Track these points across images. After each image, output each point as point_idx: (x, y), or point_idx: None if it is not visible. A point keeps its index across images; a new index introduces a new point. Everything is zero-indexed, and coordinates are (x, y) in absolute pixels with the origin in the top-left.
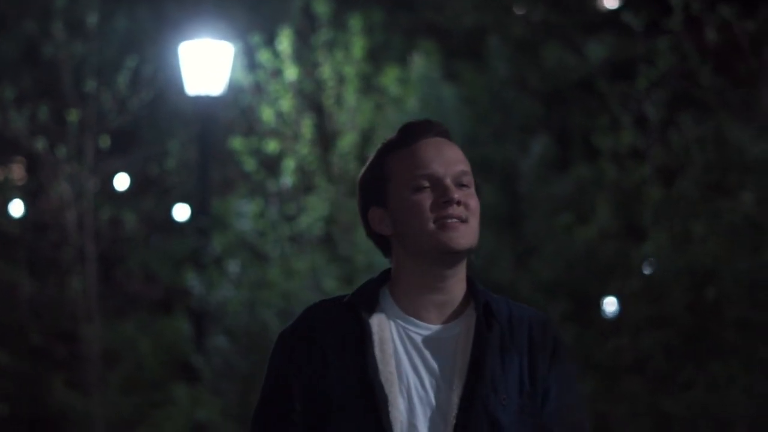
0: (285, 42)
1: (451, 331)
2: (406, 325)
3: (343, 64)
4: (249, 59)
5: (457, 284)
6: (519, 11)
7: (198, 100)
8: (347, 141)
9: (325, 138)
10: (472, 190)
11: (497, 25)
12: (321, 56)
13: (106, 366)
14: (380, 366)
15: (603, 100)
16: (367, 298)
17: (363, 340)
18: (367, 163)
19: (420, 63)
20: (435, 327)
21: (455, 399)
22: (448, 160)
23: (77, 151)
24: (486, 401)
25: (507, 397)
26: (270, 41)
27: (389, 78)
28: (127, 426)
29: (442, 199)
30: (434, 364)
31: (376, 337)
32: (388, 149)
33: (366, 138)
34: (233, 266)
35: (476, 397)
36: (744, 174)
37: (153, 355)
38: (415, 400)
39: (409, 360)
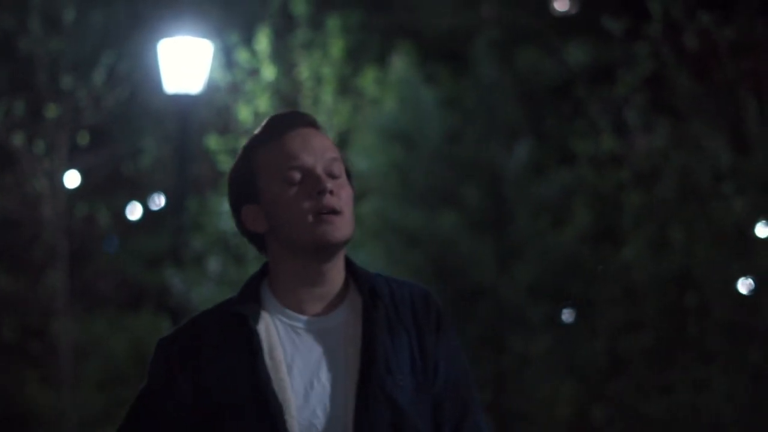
0: (263, 41)
1: (337, 319)
2: (291, 321)
3: (320, 64)
4: (226, 58)
5: (337, 274)
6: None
7: (176, 98)
8: None
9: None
10: (344, 178)
11: (472, 27)
12: (299, 56)
13: (78, 363)
14: (271, 374)
15: (582, 105)
16: (251, 302)
17: (252, 349)
18: (235, 160)
19: (398, 64)
20: (320, 318)
21: (352, 386)
22: (317, 149)
23: (52, 146)
24: (383, 384)
25: (402, 377)
26: (248, 40)
27: (367, 79)
28: (99, 423)
29: (315, 189)
30: (326, 356)
31: (264, 344)
32: (255, 144)
33: (343, 139)
34: (213, 264)
35: (372, 381)
36: (719, 181)
37: (126, 352)
38: (313, 397)
39: (300, 357)
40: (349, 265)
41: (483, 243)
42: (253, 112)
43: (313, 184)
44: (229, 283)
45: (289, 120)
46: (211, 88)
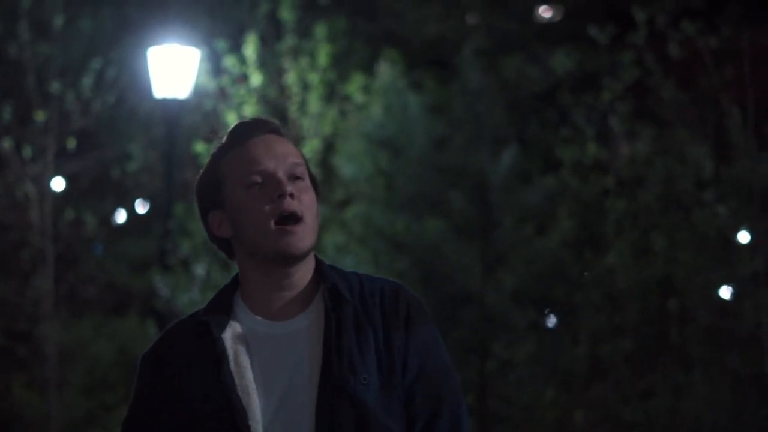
0: (250, 48)
1: (303, 321)
2: (259, 327)
3: (307, 71)
4: (214, 64)
5: (303, 277)
6: (475, 21)
7: (164, 103)
8: (310, 148)
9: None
10: (307, 182)
11: (458, 35)
12: (286, 63)
13: (63, 367)
14: (236, 380)
15: (567, 112)
16: (218, 310)
17: (216, 357)
18: (203, 168)
19: (385, 71)
20: (288, 321)
21: (315, 388)
22: (279, 154)
23: (40, 151)
24: (345, 384)
25: (368, 376)
26: (236, 47)
27: (354, 86)
28: (84, 427)
29: (276, 193)
30: (292, 360)
31: (230, 351)
32: (221, 152)
33: (329, 145)
34: (199, 269)
35: (333, 381)
36: (702, 188)
37: (112, 356)
38: (278, 402)
39: (267, 363)
40: (319, 268)
41: (469, 249)
42: (240, 118)
43: (273, 188)
44: (214, 288)
45: (252, 127)
46: (198, 94)
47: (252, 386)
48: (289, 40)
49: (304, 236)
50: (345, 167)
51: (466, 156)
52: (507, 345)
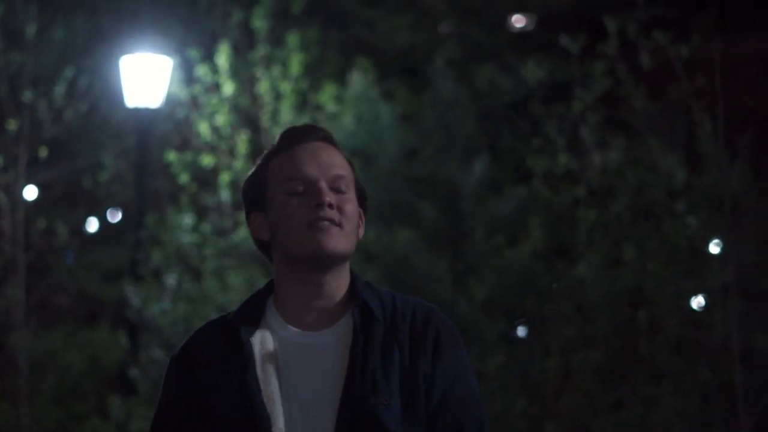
0: (222, 57)
1: (333, 335)
2: (289, 335)
3: (279, 80)
4: (186, 73)
5: (337, 288)
6: (446, 30)
7: (137, 112)
8: None
9: (261, 154)
10: (351, 195)
11: (429, 44)
12: (258, 72)
13: (34, 377)
14: (262, 386)
15: (538, 122)
16: (249, 314)
17: (243, 361)
18: (252, 170)
19: (357, 81)
20: (317, 333)
21: (337, 404)
22: (324, 163)
23: (11, 160)
24: (365, 403)
25: (389, 396)
26: (208, 56)
27: (326, 95)
28: None
29: (315, 201)
30: (318, 371)
31: (257, 356)
32: (270, 155)
33: None
34: (170, 279)
35: (354, 400)
36: (673, 198)
37: (83, 366)
38: (301, 413)
39: (294, 371)
40: (353, 282)
41: (439, 259)
42: (212, 127)
43: (313, 196)
44: (185, 299)
45: (301, 133)
46: (170, 103)
47: (277, 393)
48: (261, 49)
49: (336, 236)
50: None
51: (437, 166)
52: (478, 356)
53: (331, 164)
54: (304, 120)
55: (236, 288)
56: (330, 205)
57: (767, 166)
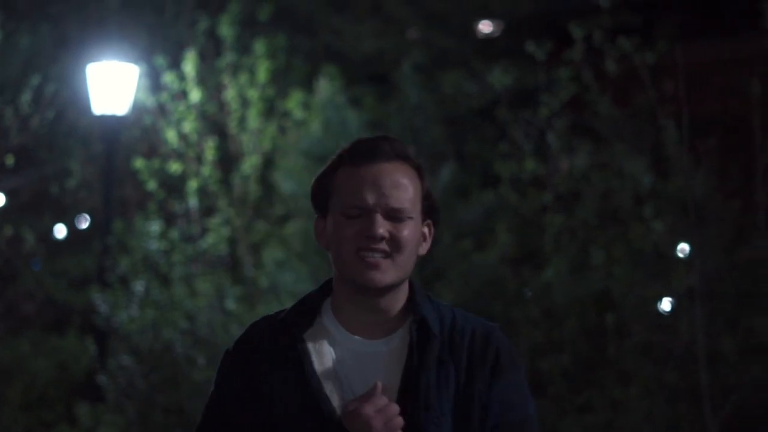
0: (189, 64)
1: (388, 345)
2: (344, 340)
3: (247, 87)
4: (153, 80)
5: (392, 305)
6: (413, 35)
7: (103, 119)
8: (250, 164)
9: (228, 160)
10: (409, 222)
11: (395, 51)
12: (225, 79)
13: (1, 384)
14: (323, 380)
15: (504, 128)
16: (304, 313)
17: (300, 358)
18: (322, 169)
19: (324, 87)
20: (372, 341)
21: None
22: (385, 191)
23: None
24: (416, 419)
25: (441, 414)
26: (175, 63)
27: (293, 102)
28: None
29: (366, 232)
30: (367, 380)
31: (314, 356)
32: (339, 163)
33: (268, 161)
34: (138, 286)
35: (405, 415)
36: (639, 203)
37: (50, 373)
38: None
39: (350, 374)
40: (413, 294)
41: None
42: (179, 134)
43: (366, 226)
44: (153, 305)
45: (371, 149)
46: (137, 110)
47: (335, 392)
48: (228, 57)
49: (387, 270)
50: (284, 183)
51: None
52: None
53: (392, 190)
54: (271, 127)
55: (204, 294)
56: (382, 238)
57: (732, 171)
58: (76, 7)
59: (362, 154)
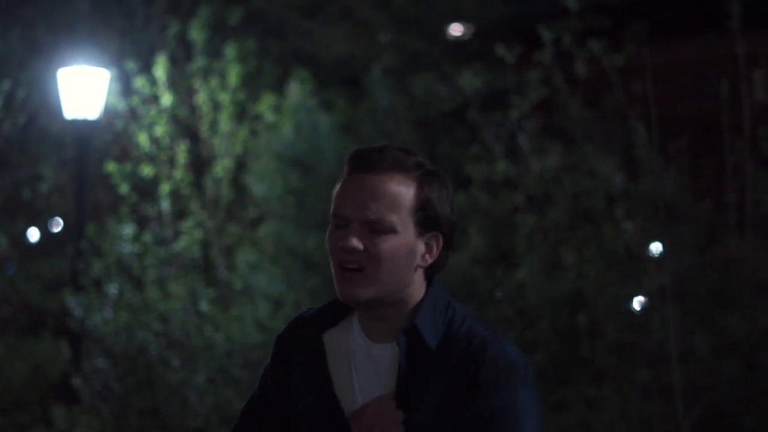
0: (160, 69)
1: (391, 351)
2: (359, 342)
3: (218, 91)
4: (124, 85)
5: (390, 314)
6: (384, 38)
7: (75, 124)
8: (221, 167)
9: (200, 163)
10: (391, 235)
11: (366, 54)
12: (196, 83)
13: None
14: (335, 379)
15: (475, 130)
16: (332, 313)
17: (318, 355)
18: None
19: (295, 91)
20: (380, 345)
21: None
22: (363, 203)
23: None
24: (406, 426)
25: (423, 424)
26: (146, 68)
27: (264, 105)
28: None
29: (340, 243)
30: (370, 382)
31: (329, 353)
32: (344, 171)
33: (240, 164)
34: (112, 289)
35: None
36: (610, 204)
37: (25, 376)
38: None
39: (356, 377)
40: (424, 300)
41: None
42: (151, 138)
43: (341, 237)
44: (127, 308)
45: (361, 160)
46: (109, 114)
47: (350, 389)
48: (199, 61)
49: (360, 284)
50: (256, 186)
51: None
52: None
53: (369, 205)
54: (243, 130)
55: (178, 296)
56: (353, 250)
57: (702, 170)
58: (46, 12)
59: (354, 163)
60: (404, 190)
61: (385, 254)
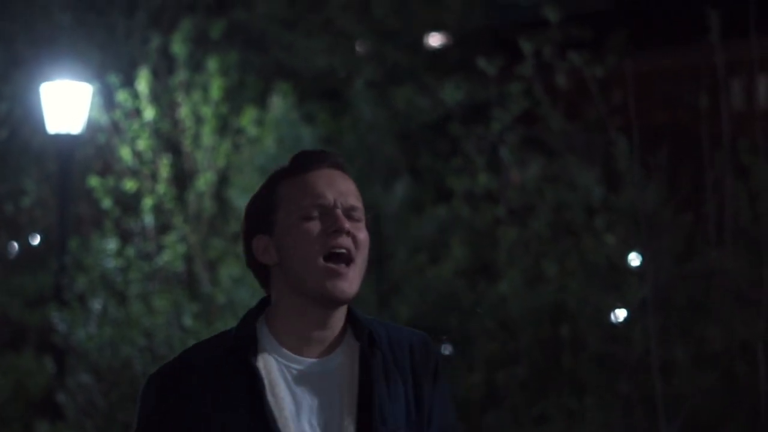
0: (142, 82)
1: (333, 362)
2: (288, 363)
3: (200, 104)
4: (106, 99)
5: (339, 321)
6: (364, 50)
7: (58, 138)
8: (204, 181)
9: (183, 177)
10: (364, 224)
11: (347, 66)
12: (178, 96)
13: None
14: (276, 412)
15: (456, 143)
16: (248, 337)
17: (253, 386)
18: (257, 191)
19: (277, 104)
20: (317, 360)
21: None
22: (341, 190)
23: None
24: None
25: (397, 427)
26: (128, 81)
27: (246, 119)
28: None
29: (332, 228)
30: (322, 401)
31: (266, 382)
32: (280, 176)
33: (223, 178)
34: (96, 304)
35: (364, 430)
36: (591, 215)
37: (7, 392)
38: None
39: (297, 400)
40: (350, 310)
41: (365, 280)
42: (133, 152)
43: (330, 223)
44: (111, 324)
45: (316, 157)
46: (91, 128)
47: (290, 420)
48: (181, 74)
49: (352, 280)
50: (239, 200)
51: (358, 188)
52: None
53: (347, 192)
54: (226, 144)
55: (162, 311)
56: (348, 233)
57: (681, 181)
58: (27, 25)
59: (308, 161)
60: (358, 190)
61: (364, 241)
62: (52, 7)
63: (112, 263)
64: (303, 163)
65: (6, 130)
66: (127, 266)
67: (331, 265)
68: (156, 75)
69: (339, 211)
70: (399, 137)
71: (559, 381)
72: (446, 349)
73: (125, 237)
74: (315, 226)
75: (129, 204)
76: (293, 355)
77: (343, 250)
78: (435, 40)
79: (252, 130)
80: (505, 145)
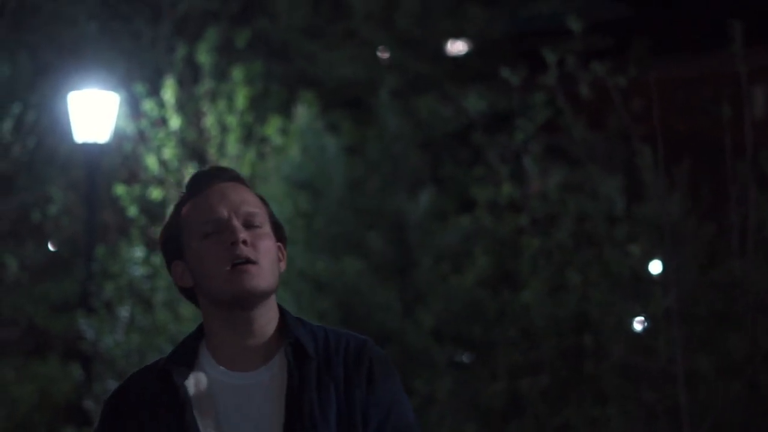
0: (168, 92)
1: (265, 374)
2: (221, 378)
3: (225, 113)
4: (133, 108)
5: (266, 325)
6: (386, 59)
7: (85, 147)
8: None
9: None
10: (265, 230)
11: (370, 75)
12: (204, 106)
13: None
14: (201, 428)
15: (479, 152)
16: (182, 358)
17: (179, 404)
18: (166, 220)
19: (302, 113)
20: (251, 373)
21: None
22: (234, 202)
23: None
24: None
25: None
26: (154, 91)
27: (271, 128)
28: None
29: (230, 240)
30: (255, 413)
31: (193, 398)
32: (181, 202)
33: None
34: (123, 311)
35: None
36: (613, 225)
37: (33, 399)
38: None
39: (230, 414)
40: (283, 316)
41: (388, 288)
42: (159, 160)
43: (227, 236)
44: (138, 330)
45: (209, 176)
46: (118, 137)
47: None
48: (206, 84)
49: (257, 275)
50: None
51: (383, 197)
52: (428, 381)
53: (241, 202)
54: (251, 153)
55: (188, 318)
56: (244, 242)
57: (703, 190)
58: (54, 34)
59: (201, 181)
60: (257, 198)
61: (266, 247)
62: (78, 16)
63: (138, 271)
64: (197, 184)
65: (33, 139)
66: (153, 274)
67: (237, 267)
68: (181, 84)
69: (234, 223)
70: (422, 146)
71: (581, 390)
72: (469, 358)
73: (151, 245)
74: (215, 243)
75: (155, 212)
76: (227, 371)
77: (243, 260)
78: (455, 47)
79: (277, 139)
80: (529, 154)
